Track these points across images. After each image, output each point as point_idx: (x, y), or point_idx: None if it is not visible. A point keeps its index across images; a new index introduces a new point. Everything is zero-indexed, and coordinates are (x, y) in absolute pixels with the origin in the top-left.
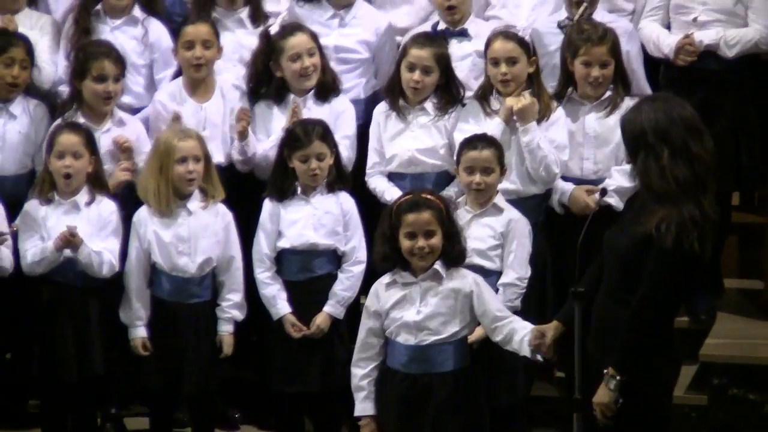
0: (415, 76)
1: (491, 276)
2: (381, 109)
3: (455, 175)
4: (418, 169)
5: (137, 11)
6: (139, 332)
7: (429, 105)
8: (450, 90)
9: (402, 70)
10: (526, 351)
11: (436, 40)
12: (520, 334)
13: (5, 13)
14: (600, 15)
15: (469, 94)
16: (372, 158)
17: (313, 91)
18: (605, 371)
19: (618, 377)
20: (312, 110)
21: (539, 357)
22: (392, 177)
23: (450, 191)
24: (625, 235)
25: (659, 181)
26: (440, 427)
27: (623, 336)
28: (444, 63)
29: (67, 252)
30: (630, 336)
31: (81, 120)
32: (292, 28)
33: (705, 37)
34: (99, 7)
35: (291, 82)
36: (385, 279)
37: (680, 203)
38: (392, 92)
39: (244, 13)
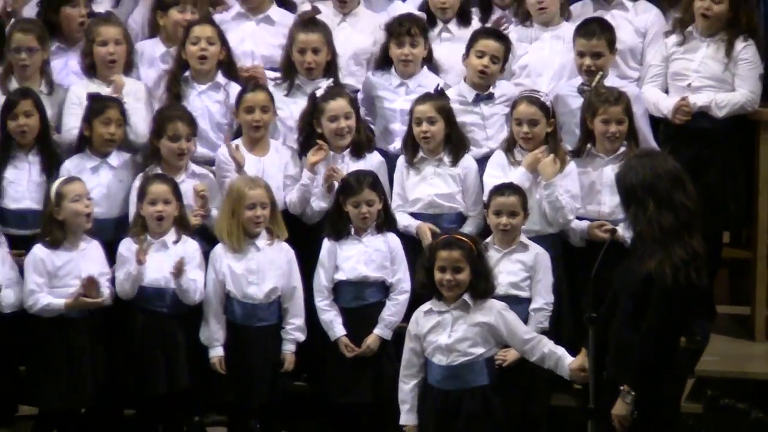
0: (423, 128)
1: (523, 303)
2: (403, 160)
3: (467, 216)
4: (436, 210)
5: (220, 77)
6: (217, 352)
7: (445, 157)
8: (457, 140)
9: (413, 127)
10: (564, 374)
11: (435, 96)
12: (556, 355)
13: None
14: (611, 81)
15: (494, 145)
16: (396, 201)
17: (349, 148)
18: (621, 388)
19: (632, 393)
20: (349, 165)
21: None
22: (414, 217)
23: (466, 230)
24: (633, 273)
25: (647, 229)
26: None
27: (636, 358)
28: (446, 114)
29: (160, 282)
30: (641, 358)
31: (159, 171)
32: (333, 93)
33: (698, 100)
34: (187, 73)
35: (329, 140)
36: (424, 307)
37: (669, 247)
38: (409, 147)
39: (323, 82)
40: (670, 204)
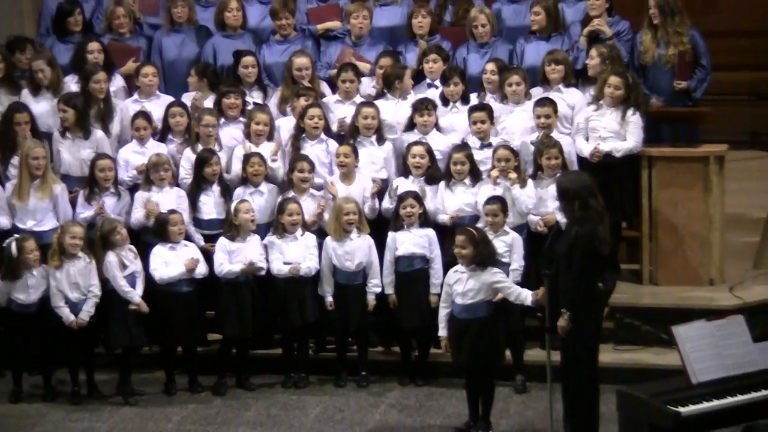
0: (458, 168)
1: (505, 266)
2: (443, 184)
3: (480, 217)
4: (461, 213)
5: (323, 136)
6: (328, 299)
7: (467, 181)
8: (476, 171)
9: (450, 166)
10: (529, 303)
11: (463, 146)
12: (523, 294)
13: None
14: (555, 134)
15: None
16: (438, 207)
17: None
18: (562, 311)
19: (568, 312)
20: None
21: (535, 306)
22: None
23: (479, 224)
24: (564, 243)
25: (572, 218)
26: (474, 344)
27: (569, 291)
28: (470, 157)
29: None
30: (571, 291)
31: (291, 194)
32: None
33: (605, 146)
34: (304, 135)
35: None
36: (453, 269)
37: (583, 227)
38: (447, 176)
39: (374, 137)
40: (587, 204)
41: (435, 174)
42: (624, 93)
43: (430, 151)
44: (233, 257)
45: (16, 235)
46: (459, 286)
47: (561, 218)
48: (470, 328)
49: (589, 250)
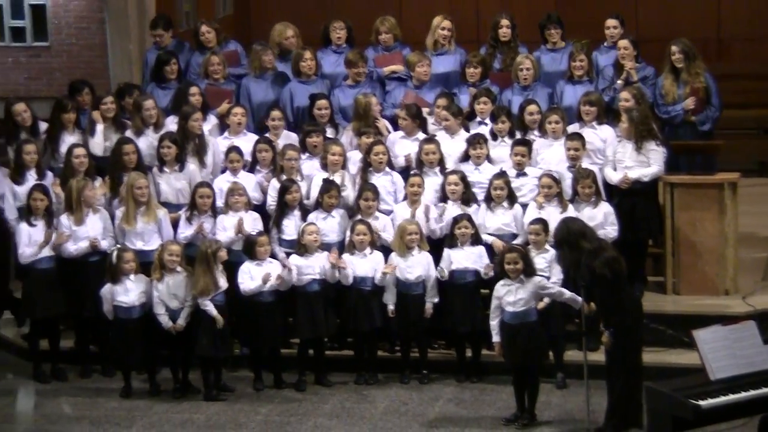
0: (498, 192)
1: (546, 280)
2: (485, 207)
3: (518, 235)
4: (502, 233)
5: (387, 170)
6: (391, 307)
7: (505, 204)
8: (513, 196)
9: (491, 191)
10: (578, 301)
11: (502, 175)
12: (567, 295)
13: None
14: (587, 164)
15: (526, 200)
16: (482, 227)
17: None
18: (602, 327)
19: (609, 330)
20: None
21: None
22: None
23: (517, 241)
24: (584, 278)
25: (565, 260)
26: (525, 346)
27: (604, 314)
28: (509, 186)
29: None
30: (606, 314)
31: (359, 218)
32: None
33: (633, 174)
34: (371, 168)
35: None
36: (501, 282)
37: (573, 265)
38: (490, 201)
39: (437, 168)
40: (576, 246)
41: (469, 198)
42: (628, 126)
43: (464, 179)
44: (303, 270)
45: (118, 246)
46: (510, 297)
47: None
48: (521, 331)
49: (604, 275)
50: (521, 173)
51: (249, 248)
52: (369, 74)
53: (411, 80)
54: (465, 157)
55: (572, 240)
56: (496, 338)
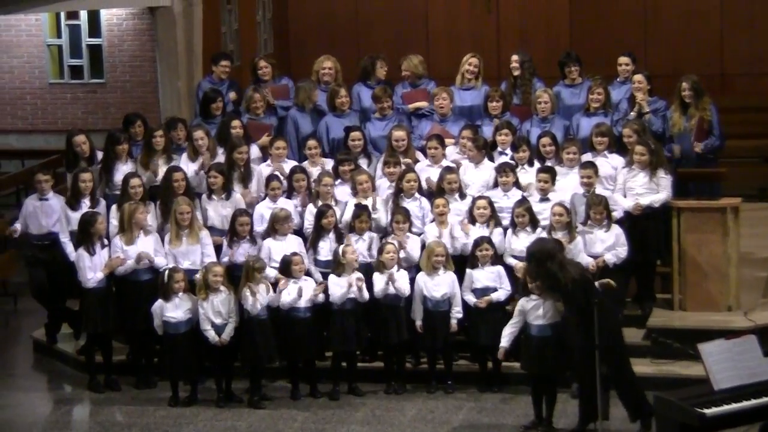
0: (520, 219)
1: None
2: (511, 232)
3: None
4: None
5: (417, 195)
6: (419, 322)
7: (528, 227)
8: (535, 221)
9: (516, 218)
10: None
11: (525, 202)
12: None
13: None
14: (600, 191)
15: (545, 222)
16: (507, 250)
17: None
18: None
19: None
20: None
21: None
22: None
23: None
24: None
25: (538, 275)
26: (554, 357)
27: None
28: (531, 212)
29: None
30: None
31: (389, 239)
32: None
33: (643, 200)
34: (402, 194)
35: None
36: (526, 298)
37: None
38: (514, 225)
39: (456, 194)
40: (545, 264)
41: (495, 222)
42: (649, 157)
43: (491, 203)
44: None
45: (170, 266)
46: (538, 311)
47: (610, 258)
48: (548, 343)
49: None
50: (544, 199)
51: (285, 267)
52: (396, 108)
53: (435, 114)
54: (495, 184)
55: (543, 259)
56: (504, 343)
